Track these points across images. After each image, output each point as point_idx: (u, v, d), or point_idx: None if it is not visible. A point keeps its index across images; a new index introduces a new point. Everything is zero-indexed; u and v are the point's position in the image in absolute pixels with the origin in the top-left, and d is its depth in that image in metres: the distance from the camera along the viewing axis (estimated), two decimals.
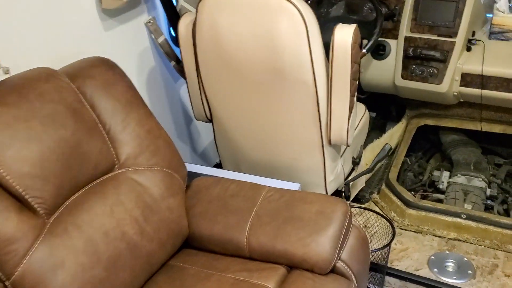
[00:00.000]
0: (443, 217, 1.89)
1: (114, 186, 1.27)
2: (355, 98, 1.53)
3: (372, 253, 1.65)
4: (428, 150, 2.56)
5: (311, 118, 1.52)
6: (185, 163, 1.50)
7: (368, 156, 2.30)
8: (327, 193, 1.71)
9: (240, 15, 1.39)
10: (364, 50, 1.95)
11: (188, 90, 1.71)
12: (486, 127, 2.24)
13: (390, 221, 1.75)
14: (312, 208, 1.36)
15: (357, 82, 1.51)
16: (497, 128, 2.23)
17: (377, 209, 2.06)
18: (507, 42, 2.08)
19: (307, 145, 1.59)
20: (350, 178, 1.85)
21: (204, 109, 1.71)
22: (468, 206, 1.95)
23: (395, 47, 2.16)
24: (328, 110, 1.51)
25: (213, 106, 1.67)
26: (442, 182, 2.11)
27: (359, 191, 2.10)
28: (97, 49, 1.50)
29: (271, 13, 1.34)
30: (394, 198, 2.02)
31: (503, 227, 1.80)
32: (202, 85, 1.63)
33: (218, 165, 2.13)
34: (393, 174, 2.12)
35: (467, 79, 2.03)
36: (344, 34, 1.39)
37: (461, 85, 2.06)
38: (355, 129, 1.79)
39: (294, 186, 1.50)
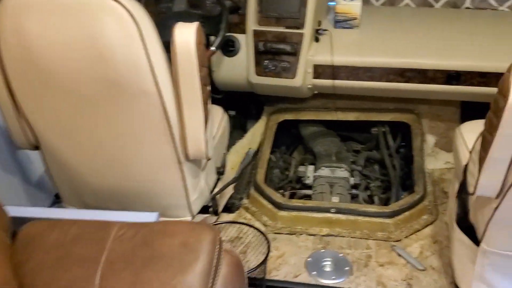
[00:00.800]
0: (314, 214, 1.84)
1: None
2: (209, 105, 1.36)
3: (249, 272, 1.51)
4: (290, 144, 2.51)
5: (161, 133, 1.31)
6: (8, 207, 1.20)
7: (233, 160, 2.16)
8: (192, 214, 1.51)
9: (53, 18, 1.12)
10: (212, 48, 1.79)
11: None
12: (341, 116, 2.25)
13: (263, 232, 1.62)
14: (175, 241, 1.16)
15: (209, 87, 1.34)
16: (351, 116, 2.25)
17: (248, 216, 1.94)
18: (352, 30, 2.09)
19: (162, 164, 1.38)
20: (216, 190, 1.68)
21: (27, 134, 1.39)
22: (335, 199, 1.93)
23: (245, 42, 2.04)
24: (180, 122, 1.31)
25: (37, 129, 1.36)
26: (308, 177, 2.06)
27: (228, 199, 1.96)
28: None
29: (92, 14, 1.09)
30: (264, 202, 1.91)
31: (370, 215, 1.81)
32: (19, 105, 1.31)
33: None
34: (260, 176, 2.02)
35: (319, 71, 2.00)
36: (185, 35, 1.20)
37: (314, 77, 2.02)
38: (214, 137, 1.62)
39: (151, 217, 1.28)
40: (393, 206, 1.82)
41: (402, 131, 2.30)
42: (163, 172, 1.40)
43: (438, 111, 2.22)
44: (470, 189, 1.25)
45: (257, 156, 2.16)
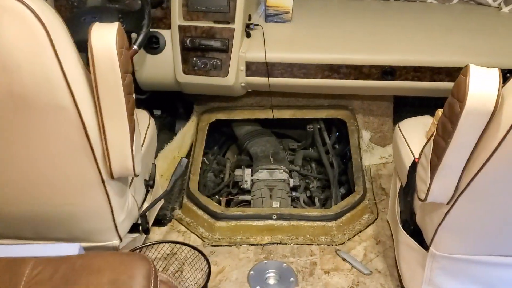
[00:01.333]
0: (255, 222, 1.73)
1: None
2: (135, 116, 1.19)
3: None
4: (223, 143, 2.38)
5: (80, 152, 1.12)
6: None
7: (162, 166, 1.99)
8: (120, 237, 1.34)
9: None
10: (135, 47, 1.61)
11: None
12: (277, 114, 2.15)
13: (200, 251, 1.48)
14: (103, 278, 0.99)
15: (134, 96, 1.17)
16: (287, 114, 2.16)
17: (182, 228, 1.79)
18: (284, 24, 1.99)
19: (82, 185, 1.19)
20: (145, 207, 1.51)
21: None
22: (276, 204, 1.83)
23: (170, 38, 1.87)
24: (103, 137, 1.13)
25: None
26: (246, 181, 1.94)
27: (159, 210, 1.79)
28: None
29: None
30: (200, 212, 1.77)
31: (313, 219, 1.73)
32: None
33: None
34: (193, 184, 1.87)
35: (252, 68, 1.88)
36: (105, 38, 1.02)
37: (247, 75, 1.90)
38: (141, 147, 1.45)
39: (72, 249, 1.11)
40: (335, 208, 1.76)
41: (337, 127, 2.25)
42: (84, 193, 1.21)
43: (371, 106, 2.19)
44: (421, 195, 1.19)
45: (189, 161, 2.01)
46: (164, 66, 1.90)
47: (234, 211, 1.74)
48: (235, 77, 1.87)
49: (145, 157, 1.50)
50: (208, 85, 1.90)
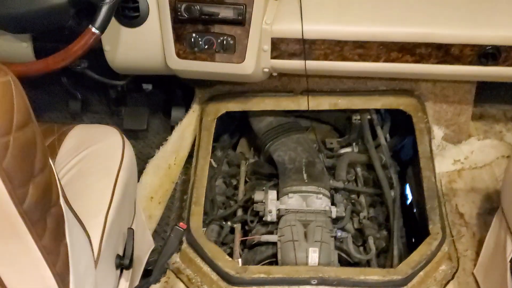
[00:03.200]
0: None
1: None
2: (68, 239, 0.59)
3: None
4: (234, 130, 1.77)
5: None
6: None
7: (153, 184, 1.43)
8: None
9: None
10: (93, 29, 0.99)
11: None
12: (312, 104, 1.52)
13: None
14: None
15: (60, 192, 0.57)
16: (325, 103, 1.52)
17: (181, 286, 1.25)
18: None
19: None
20: None
21: None
22: (314, 252, 1.25)
23: (155, 3, 1.21)
24: None
25: None
26: (270, 211, 1.35)
27: (149, 257, 1.26)
28: None
29: None
30: (206, 268, 1.22)
31: (372, 285, 1.17)
32: None
33: None
34: (195, 220, 1.29)
35: (281, 47, 1.24)
36: None
37: (273, 57, 1.26)
38: (106, 216, 0.88)
39: None
40: (404, 268, 1.19)
41: (395, 118, 1.63)
42: None
43: (446, 89, 1.54)
44: None
45: (192, 177, 1.42)
46: (148, 45, 1.27)
47: (256, 272, 1.18)
48: (255, 62, 1.23)
49: (116, 223, 0.92)
50: (214, 73, 1.27)
